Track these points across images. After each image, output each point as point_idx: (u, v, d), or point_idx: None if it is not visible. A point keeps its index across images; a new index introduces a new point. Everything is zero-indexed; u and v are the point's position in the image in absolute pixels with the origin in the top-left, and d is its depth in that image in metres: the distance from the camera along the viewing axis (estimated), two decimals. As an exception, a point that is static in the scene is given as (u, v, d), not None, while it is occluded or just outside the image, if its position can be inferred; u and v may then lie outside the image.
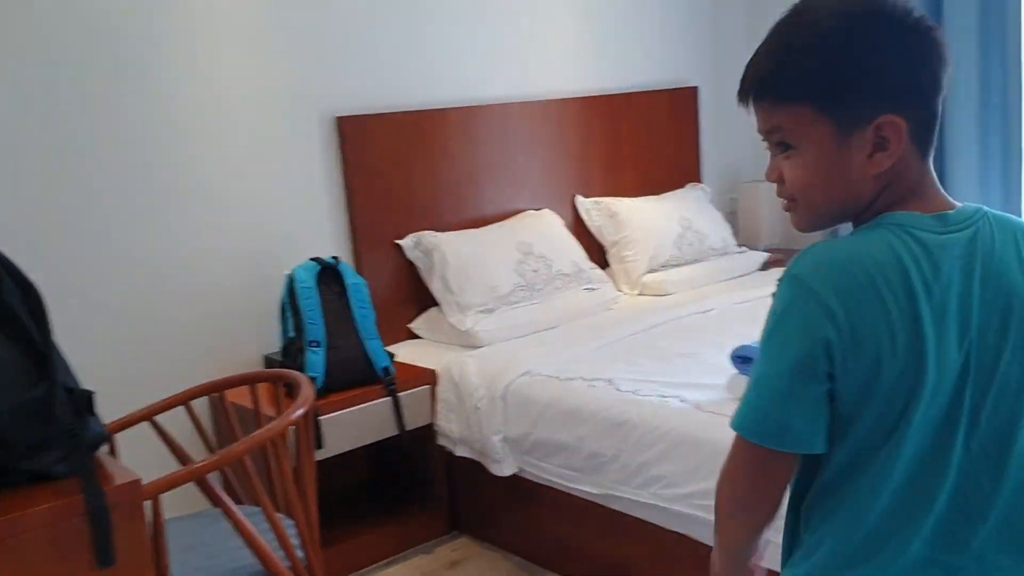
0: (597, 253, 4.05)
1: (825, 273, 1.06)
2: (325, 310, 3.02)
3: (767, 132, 1.15)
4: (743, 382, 2.47)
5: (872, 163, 1.08)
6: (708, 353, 2.95)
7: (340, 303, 3.07)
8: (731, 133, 4.75)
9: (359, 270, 3.38)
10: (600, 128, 4.13)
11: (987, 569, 1.12)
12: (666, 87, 4.40)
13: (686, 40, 4.51)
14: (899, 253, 1.06)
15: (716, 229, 4.18)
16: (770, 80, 1.12)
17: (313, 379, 2.91)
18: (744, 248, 4.29)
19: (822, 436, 1.09)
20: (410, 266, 3.53)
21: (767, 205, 4.49)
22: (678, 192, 4.29)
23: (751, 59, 1.16)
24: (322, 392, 2.94)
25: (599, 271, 3.77)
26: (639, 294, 3.92)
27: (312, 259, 3.08)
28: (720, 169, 4.72)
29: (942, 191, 1.13)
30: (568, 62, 4.07)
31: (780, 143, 1.13)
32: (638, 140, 4.27)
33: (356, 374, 3.02)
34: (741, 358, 2.53)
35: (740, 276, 4.08)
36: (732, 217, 4.65)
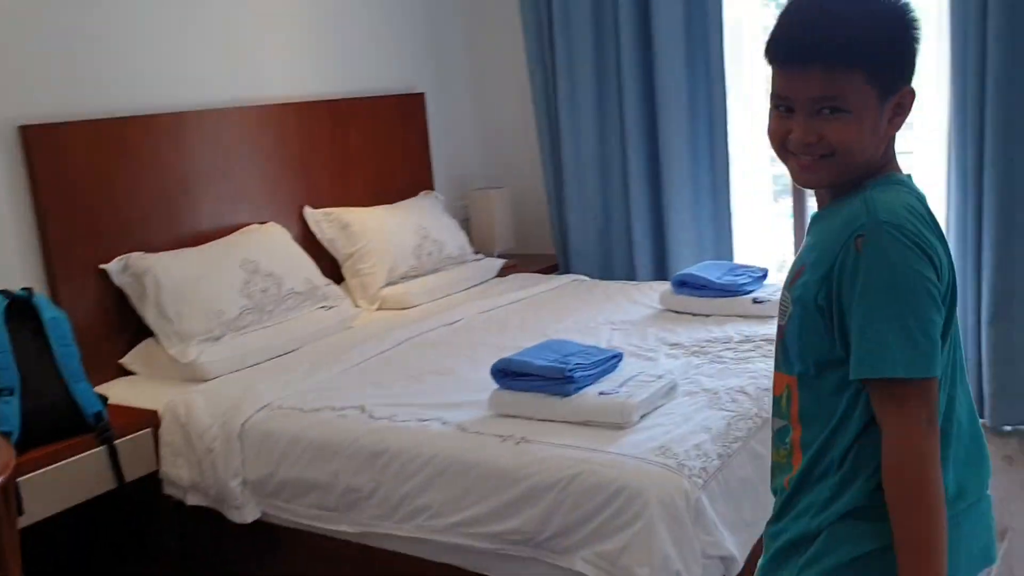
0: (331, 268, 3.81)
1: (912, 221, 1.20)
2: (17, 351, 2.54)
3: (818, 96, 1.22)
4: (507, 398, 2.39)
5: (891, 126, 1.26)
6: (463, 369, 2.82)
7: (36, 342, 2.60)
8: (458, 140, 4.69)
9: (57, 302, 2.90)
10: (326, 135, 3.89)
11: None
12: (393, 93, 4.24)
13: (410, 46, 4.38)
14: (924, 204, 1.27)
15: (453, 237, 4.08)
16: (832, 44, 1.20)
17: (7, 435, 2.44)
18: (480, 255, 4.22)
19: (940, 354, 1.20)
20: (118, 293, 3.10)
21: (499, 211, 4.46)
22: (412, 201, 4.15)
23: (798, 17, 1.25)
24: (20, 448, 2.46)
25: (335, 287, 3.54)
26: (379, 308, 3.72)
27: (0, 291, 2.59)
28: (450, 177, 4.63)
29: None
30: (289, 65, 3.79)
31: (833, 108, 1.22)
32: (367, 147, 4.07)
33: (61, 423, 2.57)
34: (502, 372, 2.41)
35: (480, 284, 4.01)
36: (465, 224, 4.57)
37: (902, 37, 1.24)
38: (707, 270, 3.30)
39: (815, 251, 1.26)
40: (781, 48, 1.24)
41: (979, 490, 1.30)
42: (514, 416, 2.36)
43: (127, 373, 3.11)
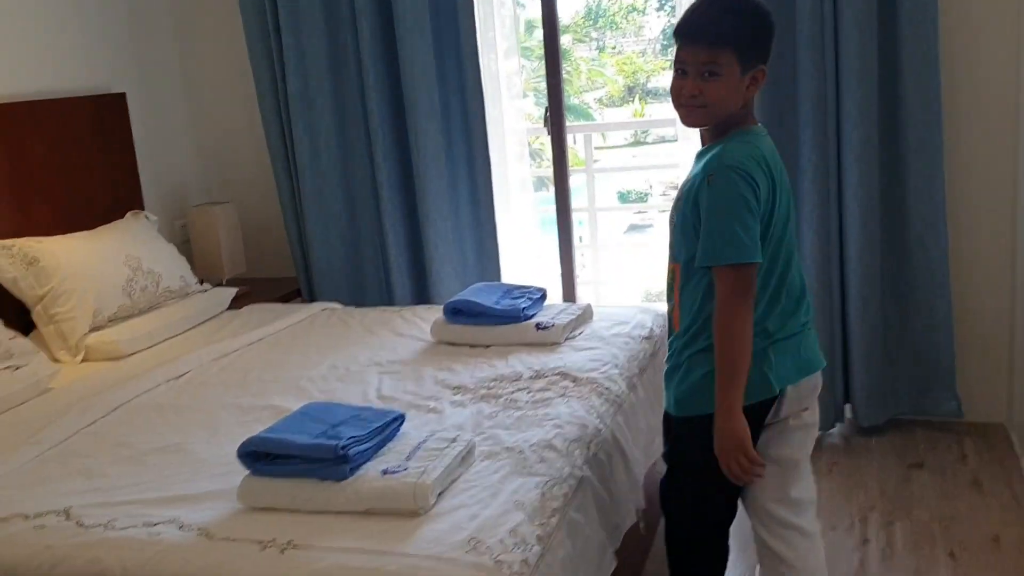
0: (16, 315, 3.03)
1: (745, 164, 1.80)
2: None
3: (702, 63, 1.81)
4: (263, 488, 1.82)
5: (748, 92, 1.86)
6: (196, 443, 2.24)
7: None
8: (171, 149, 4.00)
9: None
10: (1, 147, 3.09)
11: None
12: (84, 94, 3.49)
13: (103, 37, 3.64)
14: (767, 148, 1.88)
15: (172, 266, 3.42)
16: (714, 30, 1.81)
17: None
18: (207, 285, 3.59)
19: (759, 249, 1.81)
20: None
21: (224, 230, 3.84)
22: (117, 224, 3.43)
23: (697, 10, 1.85)
24: None
25: (22, 340, 2.79)
26: (84, 360, 3.01)
27: None
28: (164, 193, 3.94)
29: None
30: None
31: (710, 72, 1.81)
32: (53, 162, 3.31)
33: None
34: (253, 455, 1.87)
35: (209, 319, 3.38)
36: (185, 248, 3.90)
37: (761, 29, 1.86)
38: (481, 294, 2.91)
39: (692, 181, 1.88)
40: (685, 30, 1.86)
41: (796, 327, 1.92)
42: (274, 509, 1.84)
43: None
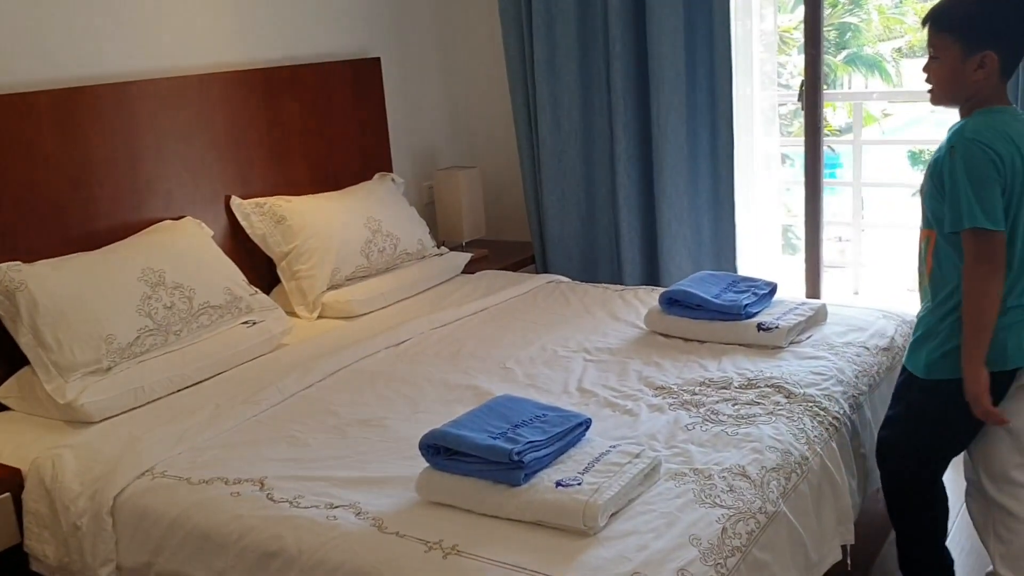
0: (266, 270, 3.25)
1: (988, 137, 1.90)
2: None
3: (929, 46, 1.98)
4: (440, 483, 1.79)
5: (975, 76, 1.95)
6: (397, 419, 2.28)
7: None
8: (422, 113, 4.09)
9: (-96, 327, 2.37)
10: (258, 110, 3.30)
11: None
12: (341, 59, 3.63)
13: (361, 3, 3.76)
14: (1014, 126, 1.94)
15: (411, 229, 3.51)
16: (935, 14, 1.96)
17: None
18: (444, 248, 3.66)
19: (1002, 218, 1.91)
20: (-9, 312, 2.55)
21: (468, 195, 3.89)
22: (364, 186, 3.57)
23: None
24: None
25: (262, 296, 2.98)
26: (319, 317, 3.17)
27: None
28: (413, 155, 4.05)
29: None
30: (209, 27, 3.18)
31: (932, 55, 1.97)
32: (309, 124, 3.48)
33: None
34: (434, 448, 1.87)
35: (441, 283, 3.46)
36: (429, 209, 4.01)
37: (986, 15, 1.92)
38: (703, 285, 2.74)
39: (939, 151, 1.97)
40: (926, 15, 1.99)
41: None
42: (448, 506, 1.83)
43: (3, 409, 2.58)
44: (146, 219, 2.95)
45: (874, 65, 11.92)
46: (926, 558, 2.24)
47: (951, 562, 2.28)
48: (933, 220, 2.01)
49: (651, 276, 3.67)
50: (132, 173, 2.91)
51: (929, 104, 2.08)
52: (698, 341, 2.63)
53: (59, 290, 2.53)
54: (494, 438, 1.82)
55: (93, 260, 2.68)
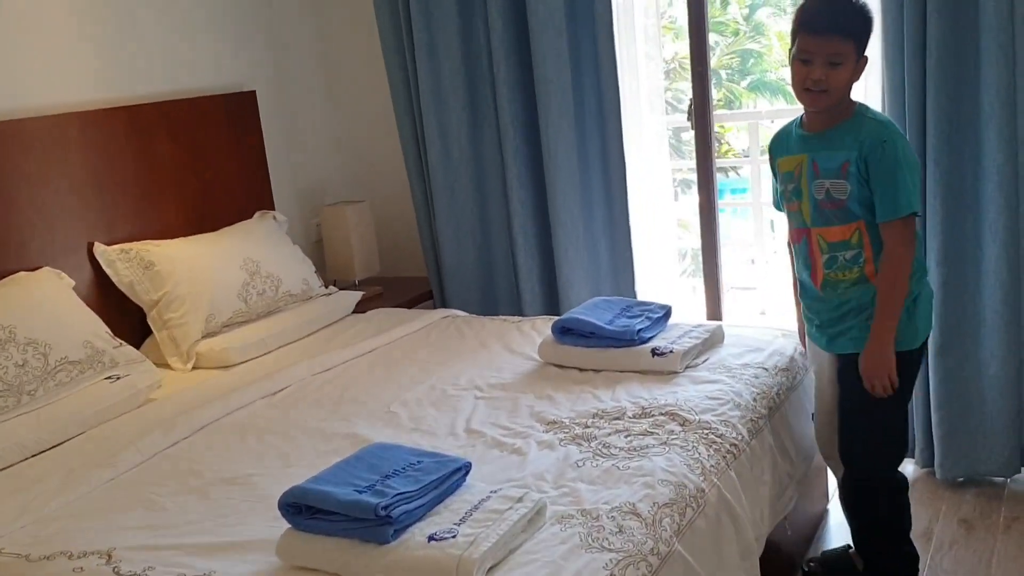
0: (137, 320, 3.03)
1: (896, 126, 2.18)
2: None
3: (828, 53, 2.06)
4: (303, 545, 1.61)
5: (856, 77, 2.12)
6: (266, 476, 2.09)
7: None
8: (306, 147, 3.92)
9: None
10: (124, 150, 3.09)
11: None
12: (213, 92, 3.45)
13: (236, 34, 3.59)
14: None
15: (295, 269, 3.32)
16: (841, 25, 2.06)
17: None
18: (332, 288, 3.48)
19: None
20: None
21: (357, 230, 3.72)
22: (241, 225, 3.37)
23: (822, 4, 2.10)
24: None
25: (127, 349, 2.75)
26: (194, 368, 2.96)
27: None
28: (297, 191, 3.87)
29: None
30: (66, 62, 2.97)
31: (834, 62, 2.06)
32: (181, 163, 3.28)
33: None
34: (294, 507, 1.69)
35: (329, 325, 3.27)
36: (318, 248, 3.83)
37: (870, 23, 2.12)
38: (596, 311, 2.62)
39: (851, 151, 2.11)
40: (813, 23, 2.08)
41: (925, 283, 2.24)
42: (313, 570, 1.65)
43: None
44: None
45: (778, 90, 12.15)
46: (897, 549, 2.34)
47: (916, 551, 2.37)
48: (862, 211, 2.11)
49: (551, 305, 3.55)
50: (-22, 222, 2.67)
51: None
52: (593, 370, 2.51)
53: None
54: (360, 492, 1.65)
55: (-70, 319, 2.44)
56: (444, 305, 3.73)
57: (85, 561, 1.78)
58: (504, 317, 3.17)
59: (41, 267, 2.81)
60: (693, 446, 1.98)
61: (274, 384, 2.66)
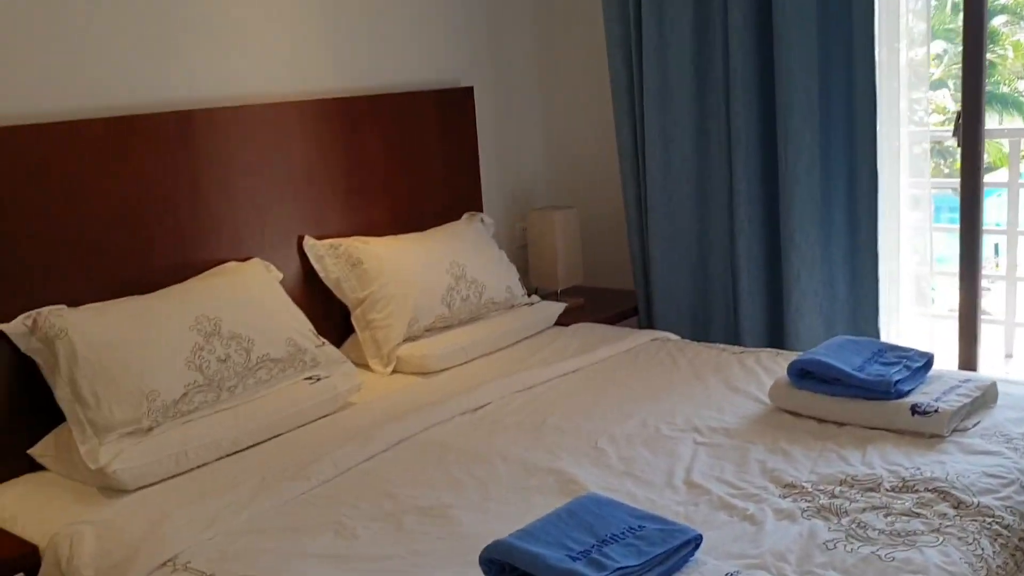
0: (342, 317, 2.95)
1: None
2: None
3: None
4: None
5: None
6: (464, 509, 1.90)
7: None
8: (518, 147, 3.75)
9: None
10: (337, 144, 3.01)
11: None
12: (429, 87, 3.33)
13: (454, 28, 3.45)
14: None
15: (499, 275, 3.15)
16: None
17: None
18: (535, 297, 3.28)
19: None
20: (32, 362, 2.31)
21: (564, 237, 3.51)
22: (450, 227, 3.24)
23: None
24: None
25: (329, 349, 2.65)
26: (394, 372, 2.84)
27: None
28: (506, 193, 3.71)
29: None
30: (284, 52, 2.92)
31: None
32: (392, 159, 3.18)
33: None
34: (498, 566, 1.48)
35: (531, 336, 3.09)
36: (522, 253, 3.65)
37: None
38: (842, 354, 2.27)
39: None
40: None
41: None
42: (514, 640, 1.44)
43: (39, 468, 2.32)
44: (209, 260, 2.68)
45: (1011, 103, 11.11)
46: None
47: None
48: None
49: (774, 337, 3.20)
50: (195, 210, 2.65)
51: None
52: (835, 423, 2.17)
53: (101, 339, 2.26)
54: (574, 558, 1.42)
55: (142, 306, 2.41)
56: (650, 324, 3.46)
57: (267, 590, 1.64)
58: (723, 346, 2.86)
59: (251, 258, 2.77)
60: (974, 538, 1.63)
61: (474, 400, 2.48)
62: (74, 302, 2.36)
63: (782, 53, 2.94)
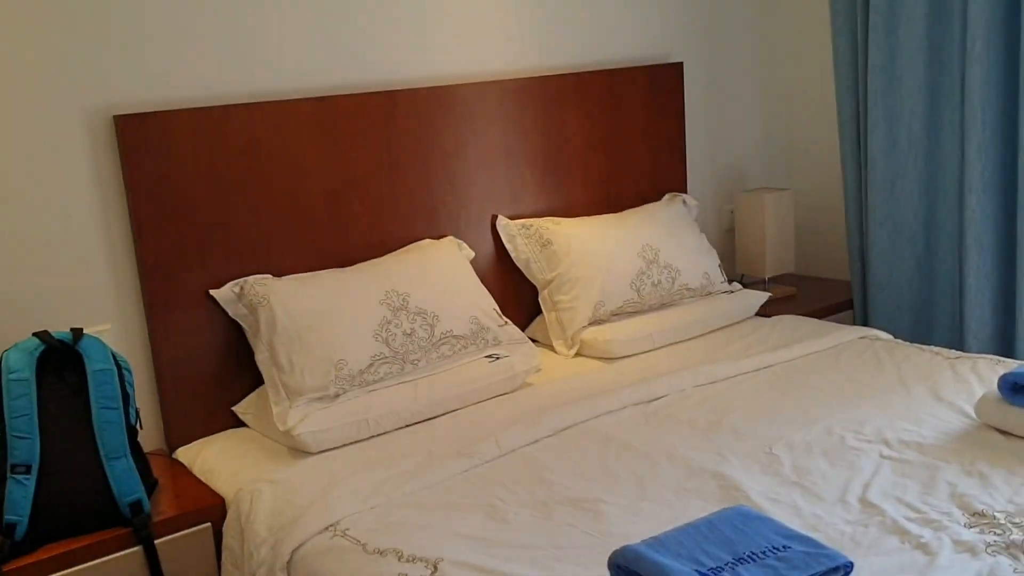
0: (533, 297, 2.97)
1: None
2: (45, 416, 2.00)
3: None
4: None
5: None
6: (616, 505, 1.85)
7: (73, 404, 2.04)
8: (730, 125, 3.58)
9: (154, 334, 2.38)
10: (535, 123, 3.00)
11: None
12: (636, 63, 3.25)
13: (668, 1, 3.34)
14: None
15: (696, 260, 3.03)
16: None
17: (12, 526, 1.91)
18: (736, 285, 3.14)
19: None
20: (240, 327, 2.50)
21: (775, 221, 3.32)
22: (646, 208, 3.15)
23: None
24: (25, 544, 1.93)
25: (511, 329, 2.67)
26: (577, 355, 2.82)
27: (36, 335, 2.06)
28: (715, 173, 3.56)
29: None
30: (482, 32, 2.94)
31: None
32: (592, 138, 3.13)
33: (87, 514, 2.00)
34: (626, 571, 1.42)
35: (727, 326, 2.96)
36: (729, 237, 3.50)
37: None
38: (1066, 369, 2.00)
39: None
40: None
41: None
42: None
43: (241, 424, 2.51)
44: (407, 237, 2.78)
45: None
46: None
47: None
48: None
49: (1003, 342, 2.87)
50: (394, 188, 2.74)
51: None
52: (1050, 448, 1.92)
53: (298, 308, 2.41)
54: (703, 575, 1.34)
55: (339, 279, 2.54)
56: (866, 320, 3.21)
57: (411, 567, 1.68)
58: (937, 349, 2.59)
59: (446, 236, 2.83)
60: None
61: (650, 391, 2.41)
62: (279, 272, 2.53)
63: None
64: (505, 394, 2.51)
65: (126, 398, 2.11)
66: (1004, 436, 2.00)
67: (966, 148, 2.83)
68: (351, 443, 2.27)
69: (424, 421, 2.37)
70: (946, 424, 2.10)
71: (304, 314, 2.40)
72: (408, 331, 2.47)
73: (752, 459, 2.00)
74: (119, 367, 2.11)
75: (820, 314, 3.17)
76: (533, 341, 2.89)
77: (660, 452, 2.07)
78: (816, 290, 3.41)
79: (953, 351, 2.59)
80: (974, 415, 2.09)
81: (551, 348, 2.85)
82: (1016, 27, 2.69)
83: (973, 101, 2.78)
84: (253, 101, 2.49)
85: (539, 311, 2.96)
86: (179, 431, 2.45)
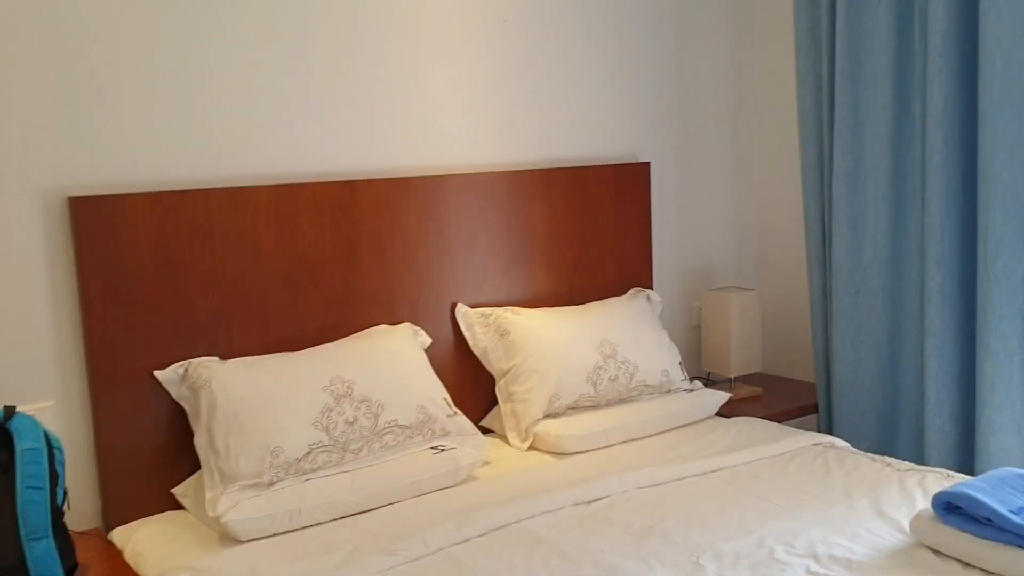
0: (490, 386, 2.96)
1: None
2: (-32, 493, 1.99)
3: None
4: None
5: None
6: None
7: (1, 482, 2.03)
8: (698, 224, 3.60)
9: (97, 413, 2.38)
10: (501, 214, 3.03)
11: None
12: (603, 162, 3.29)
13: (639, 104, 3.39)
14: None
15: (656, 357, 3.02)
16: None
17: (-82, 608, 1.89)
18: (697, 383, 3.11)
19: None
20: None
21: (740, 320, 3.31)
22: (609, 302, 3.16)
23: None
24: (-66, 628, 1.90)
25: (460, 419, 2.65)
26: (531, 448, 2.79)
27: (-33, 411, 2.06)
28: (682, 270, 3.57)
29: None
30: (451, 127, 2.99)
31: None
32: (558, 231, 3.16)
33: (1, 596, 1.98)
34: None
35: (684, 426, 2.92)
36: (695, 334, 3.49)
37: None
38: (1001, 489, 1.95)
39: None
40: None
41: None
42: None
43: (179, 507, 2.49)
44: (363, 322, 2.78)
45: None
46: None
47: None
48: None
49: (964, 453, 2.82)
50: (351, 274, 2.76)
51: None
52: (983, 572, 1.86)
53: (238, 392, 2.40)
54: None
55: (284, 364, 2.54)
56: (830, 425, 3.17)
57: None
58: (890, 460, 2.55)
59: (403, 322, 2.84)
60: None
61: (591, 491, 2.37)
62: (230, 355, 2.53)
63: (986, 141, 2.63)
64: (447, 488, 2.48)
65: (55, 478, 2.09)
66: (936, 555, 1.94)
67: (926, 259, 2.83)
68: (281, 533, 2.24)
69: (360, 513, 2.34)
70: (881, 540, 2.04)
71: (243, 398, 2.39)
72: (351, 419, 2.46)
73: (678, 569, 1.95)
74: (50, 446, 2.10)
75: (784, 416, 3.13)
76: (489, 432, 2.88)
77: (587, 557, 2.03)
78: (783, 391, 3.38)
79: (905, 463, 2.54)
80: (910, 534, 2.04)
81: (506, 440, 2.82)
82: (972, 141, 2.71)
83: (932, 213, 2.79)
84: (211, 187, 2.52)
85: (497, 401, 2.94)
86: (117, 511, 2.43)
